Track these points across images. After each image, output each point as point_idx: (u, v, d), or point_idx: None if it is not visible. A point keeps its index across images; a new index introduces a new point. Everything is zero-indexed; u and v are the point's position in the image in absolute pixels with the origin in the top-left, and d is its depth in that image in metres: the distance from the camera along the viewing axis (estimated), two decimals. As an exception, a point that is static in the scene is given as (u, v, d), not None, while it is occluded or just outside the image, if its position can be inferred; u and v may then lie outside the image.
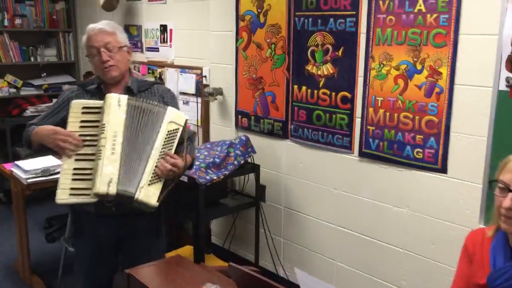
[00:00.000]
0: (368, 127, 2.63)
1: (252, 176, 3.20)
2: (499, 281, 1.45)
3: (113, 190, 1.91)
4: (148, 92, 2.20)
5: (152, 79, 4.08)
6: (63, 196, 1.94)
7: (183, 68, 3.93)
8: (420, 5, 2.33)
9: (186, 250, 3.30)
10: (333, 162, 2.85)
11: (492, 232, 1.54)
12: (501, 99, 2.10)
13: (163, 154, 1.98)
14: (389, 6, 2.44)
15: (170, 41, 4.13)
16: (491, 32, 2.11)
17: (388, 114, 2.53)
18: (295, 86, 2.98)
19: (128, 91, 2.15)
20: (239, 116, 3.38)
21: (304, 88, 2.93)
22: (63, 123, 2.02)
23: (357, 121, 2.69)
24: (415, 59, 2.38)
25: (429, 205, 2.45)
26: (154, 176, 1.97)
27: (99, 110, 1.98)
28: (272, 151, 3.19)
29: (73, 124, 1.98)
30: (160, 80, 4.24)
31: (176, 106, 2.18)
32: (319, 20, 2.77)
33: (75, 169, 1.96)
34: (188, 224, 3.71)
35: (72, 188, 1.94)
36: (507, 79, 2.07)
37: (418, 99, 2.40)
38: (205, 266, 2.18)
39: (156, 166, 1.97)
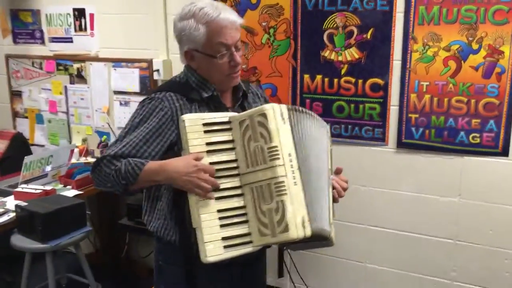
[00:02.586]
0: (410, 115, 2.40)
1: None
2: None
3: (308, 231, 1.45)
4: (252, 94, 1.72)
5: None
6: (216, 252, 1.40)
7: (117, 62, 3.21)
8: (476, -20, 2.16)
9: None
10: (360, 157, 2.57)
11: None
12: None
13: (332, 175, 1.60)
14: (435, -19, 2.23)
15: (92, 28, 3.33)
16: None
17: (436, 99, 2.34)
18: (306, 76, 2.60)
19: (244, 96, 1.66)
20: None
21: (319, 77, 2.57)
22: (170, 149, 1.50)
23: (393, 110, 2.45)
24: (470, 39, 2.21)
25: (486, 190, 2.34)
26: (333, 204, 1.59)
27: (228, 127, 1.50)
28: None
29: (197, 149, 1.45)
30: (80, 78, 3.43)
31: None
32: (339, -1, 2.43)
33: (219, 211, 1.45)
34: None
35: (224, 238, 1.43)
36: None
37: (474, 81, 2.25)
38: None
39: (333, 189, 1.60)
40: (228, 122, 1.51)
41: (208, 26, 1.51)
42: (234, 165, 1.50)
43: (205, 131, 1.48)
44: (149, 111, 1.51)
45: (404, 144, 2.46)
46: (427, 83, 2.34)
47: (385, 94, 2.44)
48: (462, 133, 2.32)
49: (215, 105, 1.59)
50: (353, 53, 2.47)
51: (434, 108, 2.35)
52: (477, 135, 2.29)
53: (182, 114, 1.50)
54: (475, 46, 2.21)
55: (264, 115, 1.48)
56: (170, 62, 2.98)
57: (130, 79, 3.22)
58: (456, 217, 2.43)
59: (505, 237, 2.33)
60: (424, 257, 2.54)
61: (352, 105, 2.52)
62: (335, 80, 2.53)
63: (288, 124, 1.50)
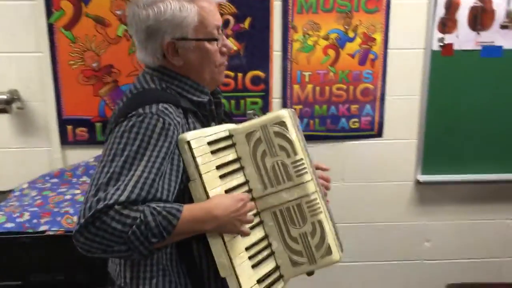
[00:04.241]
0: (294, 106, 2.35)
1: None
2: None
3: (342, 251, 1.35)
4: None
5: None
6: None
7: None
8: (348, -31, 2.21)
9: None
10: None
11: None
12: (434, 58, 2.31)
13: None
14: (311, -31, 2.20)
15: None
16: (422, -3, 2.26)
17: (318, 88, 2.33)
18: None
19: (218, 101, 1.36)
20: (69, 127, 2.29)
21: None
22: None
23: (276, 103, 2.35)
24: (347, 27, 2.27)
25: (366, 171, 2.47)
26: None
27: (230, 142, 1.26)
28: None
29: (210, 177, 1.17)
30: None
31: None
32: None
33: (247, 249, 1.22)
34: None
35: (259, 281, 1.22)
36: (440, 39, 2.29)
37: (351, 68, 2.32)
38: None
39: None
40: (230, 137, 1.25)
41: (197, 3, 1.18)
42: (246, 188, 1.23)
43: (212, 152, 1.19)
44: (149, 133, 1.09)
45: (289, 137, 2.38)
46: (309, 73, 2.31)
47: (267, 87, 2.32)
48: (343, 119, 2.38)
49: (203, 114, 1.26)
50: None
51: (317, 98, 2.34)
52: (357, 120, 2.38)
53: (183, 131, 1.13)
54: (351, 34, 2.28)
55: (283, 123, 1.27)
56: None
57: None
58: (341, 202, 2.50)
59: (387, 211, 2.51)
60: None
61: (233, 101, 2.32)
62: (212, 76, 2.28)
63: (297, 129, 1.28)
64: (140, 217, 1.01)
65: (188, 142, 1.14)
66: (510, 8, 2.26)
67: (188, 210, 1.08)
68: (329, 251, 1.31)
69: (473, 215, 2.56)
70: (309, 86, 2.32)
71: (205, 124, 1.26)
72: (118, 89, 2.26)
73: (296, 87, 2.32)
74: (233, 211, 1.13)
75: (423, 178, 2.45)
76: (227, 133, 1.25)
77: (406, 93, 2.37)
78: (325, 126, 2.37)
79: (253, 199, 1.26)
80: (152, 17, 1.17)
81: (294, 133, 1.30)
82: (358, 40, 2.28)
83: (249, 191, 1.26)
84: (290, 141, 1.28)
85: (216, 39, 1.24)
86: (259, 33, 2.25)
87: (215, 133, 1.23)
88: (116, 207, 1.00)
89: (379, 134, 2.41)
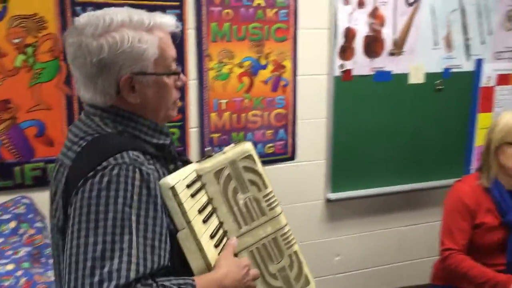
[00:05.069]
0: (212, 135, 2.32)
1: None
2: None
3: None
4: None
5: None
6: None
7: None
8: (258, 0, 2.28)
9: None
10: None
11: (487, 183, 2.03)
12: (336, 83, 2.49)
13: None
14: (223, -2, 2.22)
15: None
16: (324, 26, 2.42)
17: (235, 116, 2.34)
18: (87, 105, 2.09)
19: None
20: (-45, 174, 1.96)
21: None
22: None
23: (193, 132, 2.30)
24: (259, 55, 2.33)
25: (281, 194, 2.53)
26: None
27: (200, 184, 1.15)
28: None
29: (197, 223, 1.07)
30: None
31: None
32: (122, 11, 2.07)
33: None
34: None
35: None
36: (341, 66, 2.48)
37: (265, 94, 2.38)
38: None
39: None
40: (199, 177, 1.14)
41: (156, 34, 1.06)
42: (222, 231, 1.16)
43: (191, 196, 1.08)
44: (130, 188, 0.94)
45: (208, 166, 2.34)
46: (226, 100, 2.30)
47: (184, 117, 2.25)
48: (259, 145, 2.41)
49: (165, 157, 1.13)
50: (144, 74, 2.15)
51: (234, 125, 2.34)
52: (272, 145, 2.44)
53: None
54: (263, 62, 2.34)
55: (250, 157, 1.22)
56: None
57: None
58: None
59: (302, 231, 2.59)
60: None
61: (149, 133, 2.20)
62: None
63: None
64: None
65: (173, 188, 1.03)
66: (396, 37, 2.53)
67: (200, 285, 0.99)
68: (307, 282, 1.30)
69: (374, 225, 2.78)
70: (226, 114, 2.31)
71: (167, 168, 1.13)
72: (17, 127, 2.00)
73: (213, 115, 2.29)
74: (239, 280, 1.07)
75: (332, 196, 2.59)
76: (195, 174, 1.15)
77: (314, 116, 2.50)
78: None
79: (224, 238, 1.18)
80: (107, 49, 1.01)
81: (260, 166, 1.27)
82: (270, 67, 2.35)
83: (225, 233, 1.19)
84: (259, 175, 1.25)
85: (177, 73, 1.13)
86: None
87: (187, 175, 1.12)
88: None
89: (292, 157, 2.49)
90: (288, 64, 2.38)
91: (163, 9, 2.11)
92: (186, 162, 1.20)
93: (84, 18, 1.05)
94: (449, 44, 2.65)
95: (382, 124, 2.59)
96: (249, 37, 2.28)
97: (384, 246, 2.82)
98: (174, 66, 1.11)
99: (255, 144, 2.38)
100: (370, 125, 2.57)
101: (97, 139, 1.03)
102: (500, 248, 2.04)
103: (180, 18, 2.15)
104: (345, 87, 2.49)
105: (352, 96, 2.52)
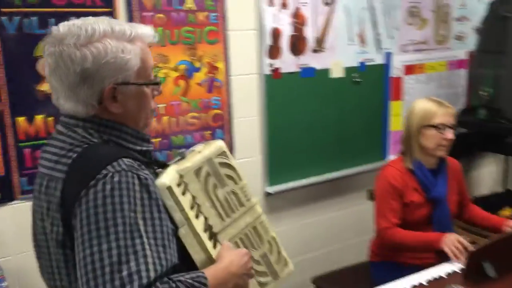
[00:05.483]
0: (153, 139, 2.31)
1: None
2: (437, 191, 2.24)
3: None
4: None
5: None
6: None
7: None
8: (189, 3, 2.31)
9: None
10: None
11: (410, 165, 2.25)
12: (267, 81, 2.60)
13: None
14: (154, 3, 2.22)
15: None
16: (252, 28, 2.52)
17: (174, 120, 2.36)
18: (21, 119, 2.01)
19: None
20: None
21: (39, 118, 2.04)
22: None
23: (133, 139, 2.28)
24: (193, 58, 2.37)
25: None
26: None
27: (184, 182, 1.20)
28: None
29: (193, 218, 1.15)
30: None
31: None
32: (52, 20, 2.00)
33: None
34: None
35: None
36: (270, 65, 2.60)
37: (201, 96, 2.42)
38: None
39: None
40: (182, 177, 1.19)
41: (137, 44, 1.09)
42: (207, 226, 1.22)
43: (182, 194, 1.15)
44: (132, 193, 0.98)
45: (151, 172, 2.34)
46: (164, 105, 2.31)
47: (122, 124, 2.22)
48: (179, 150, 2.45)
49: (147, 162, 1.16)
50: (79, 83, 2.10)
51: (173, 129, 2.36)
52: (211, 145, 2.49)
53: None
54: (197, 64, 2.38)
55: (224, 153, 1.32)
56: None
57: None
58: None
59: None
60: None
61: (88, 144, 2.15)
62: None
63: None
64: None
65: (169, 188, 1.09)
66: (317, 36, 2.70)
67: (210, 275, 1.04)
68: (286, 263, 1.40)
69: (310, 214, 2.94)
70: (165, 118, 2.32)
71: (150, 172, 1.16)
72: None
73: (153, 120, 2.28)
74: (243, 265, 1.14)
75: (270, 189, 2.70)
76: (177, 175, 1.19)
77: (249, 114, 2.59)
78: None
79: (215, 234, 1.23)
80: (91, 59, 1.03)
81: (233, 160, 1.35)
82: (204, 70, 2.40)
83: (210, 227, 1.23)
84: (234, 169, 1.34)
85: (158, 83, 1.17)
86: (109, 69, 2.15)
87: (173, 176, 1.17)
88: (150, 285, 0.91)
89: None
90: (221, 65, 2.44)
91: (95, 15, 2.06)
92: (163, 164, 1.23)
93: (64, 27, 1.05)
94: (362, 40, 2.88)
95: (310, 117, 2.75)
96: (182, 41, 2.31)
97: (319, 233, 2.99)
98: (153, 76, 1.14)
99: (194, 145, 2.41)
100: (299, 119, 2.72)
101: (89, 149, 1.03)
102: (427, 221, 2.27)
103: (113, 24, 2.12)
104: (275, 84, 2.61)
105: (282, 93, 2.64)
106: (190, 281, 0.98)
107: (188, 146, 2.27)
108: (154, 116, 2.18)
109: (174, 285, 0.94)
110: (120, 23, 1.10)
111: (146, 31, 1.12)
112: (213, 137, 2.48)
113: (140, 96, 1.11)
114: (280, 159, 2.70)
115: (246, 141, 2.60)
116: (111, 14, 2.11)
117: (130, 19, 2.16)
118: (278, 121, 2.66)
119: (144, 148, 1.15)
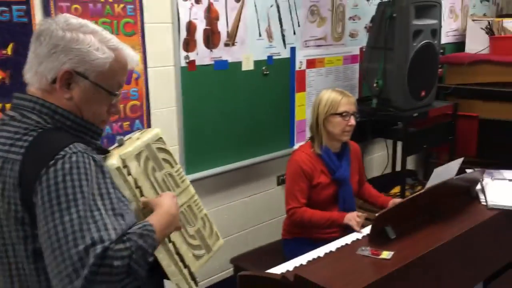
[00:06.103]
0: (72, 131, 2.31)
1: None
2: (341, 173, 2.50)
3: None
4: None
5: None
6: None
7: None
8: (105, -5, 2.34)
9: None
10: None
11: (318, 149, 2.49)
12: (183, 73, 2.70)
13: None
14: (71, -7, 2.22)
15: None
16: (168, 21, 2.60)
17: (92, 110, 2.37)
18: None
19: None
20: None
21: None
22: None
23: (51, 130, 2.26)
24: (111, 49, 2.39)
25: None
26: None
27: (126, 165, 1.32)
28: None
29: (139, 196, 1.30)
30: None
31: None
32: (-37, 7, 1.93)
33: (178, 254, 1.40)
34: None
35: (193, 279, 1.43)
36: (186, 57, 2.69)
37: (120, 87, 2.45)
38: None
39: None
40: (124, 161, 1.29)
41: (115, 53, 1.19)
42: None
43: (128, 174, 1.26)
44: (88, 171, 1.09)
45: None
46: (82, 96, 2.31)
47: (40, 115, 2.19)
48: (118, 137, 2.48)
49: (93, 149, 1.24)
50: (-6, 74, 2.04)
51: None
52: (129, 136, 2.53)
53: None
54: (115, 56, 2.40)
55: (161, 139, 1.43)
56: None
57: None
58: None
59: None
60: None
61: (4, 136, 2.10)
62: (-24, 110, 2.01)
63: None
64: (131, 247, 1.03)
65: (118, 168, 1.21)
66: (229, 30, 2.85)
67: (155, 221, 1.16)
68: (217, 238, 1.54)
69: (225, 200, 3.09)
70: (84, 109, 2.32)
71: None
72: None
73: (71, 111, 2.28)
74: (176, 205, 1.28)
75: (189, 177, 2.79)
76: (120, 159, 1.28)
77: (166, 105, 2.67)
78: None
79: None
80: (67, 40, 1.13)
81: (168, 146, 1.46)
82: (122, 61, 2.42)
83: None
84: (169, 153, 1.46)
85: (115, 94, 1.23)
86: (24, 59, 2.10)
87: (118, 159, 1.27)
88: (111, 246, 1.00)
89: (149, 145, 2.62)
90: (138, 57, 2.48)
91: (7, 5, 2.02)
92: (103, 151, 1.31)
93: (64, 16, 1.16)
94: (270, 35, 3.08)
95: (223, 108, 2.89)
96: (99, 32, 2.32)
97: (235, 217, 3.16)
98: (115, 89, 1.22)
99: (113, 136, 2.45)
100: (214, 110, 2.85)
101: (45, 133, 1.10)
102: (333, 200, 2.54)
103: (28, 13, 2.09)
104: (190, 76, 2.71)
105: (197, 85, 2.75)
106: (138, 231, 1.09)
107: (108, 136, 2.32)
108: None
109: (125, 238, 1.04)
110: (113, 36, 1.20)
111: (131, 54, 1.24)
112: (132, 127, 2.52)
113: (91, 95, 1.18)
114: (197, 148, 2.82)
115: (164, 131, 2.58)
116: (27, 3, 2.07)
117: (47, 8, 2.13)
118: (194, 112, 2.77)
119: (93, 140, 1.22)
